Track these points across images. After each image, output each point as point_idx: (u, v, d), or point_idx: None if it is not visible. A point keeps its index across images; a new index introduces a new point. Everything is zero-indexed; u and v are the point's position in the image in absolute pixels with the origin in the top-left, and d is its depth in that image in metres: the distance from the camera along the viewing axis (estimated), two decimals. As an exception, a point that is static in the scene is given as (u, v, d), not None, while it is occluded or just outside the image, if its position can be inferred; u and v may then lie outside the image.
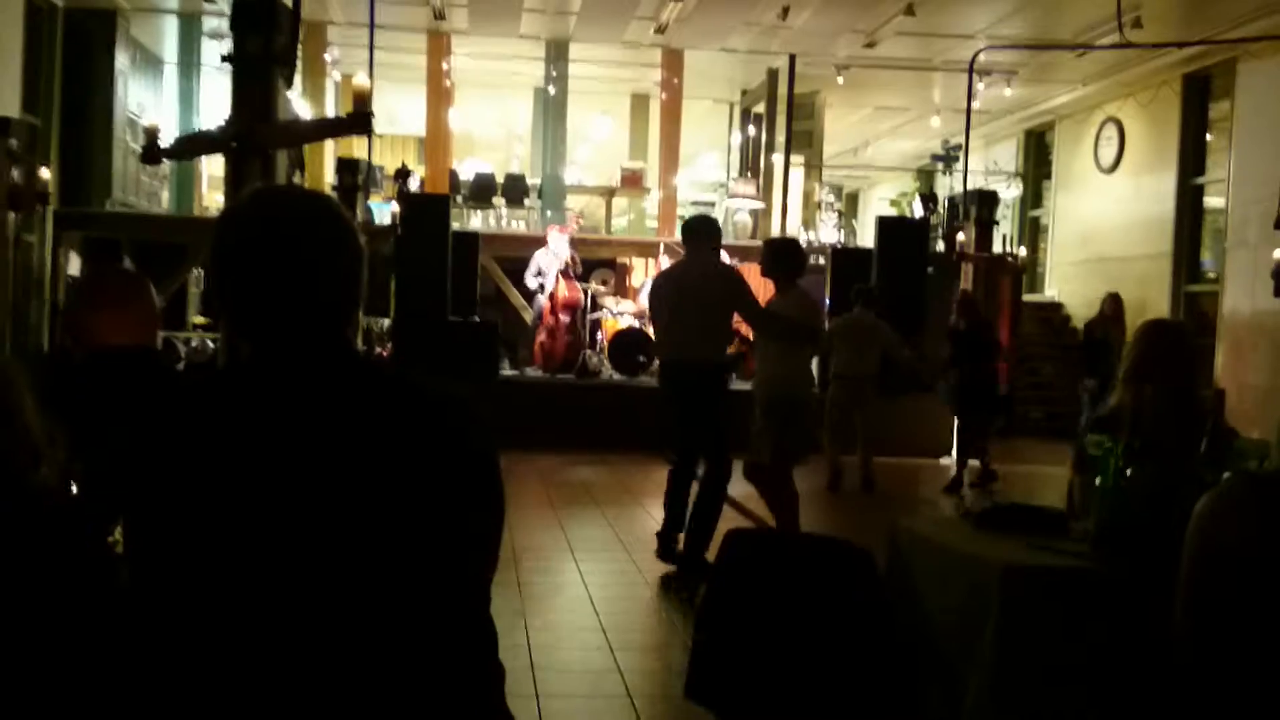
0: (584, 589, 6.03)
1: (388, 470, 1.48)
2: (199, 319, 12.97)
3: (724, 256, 8.44)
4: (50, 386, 2.92)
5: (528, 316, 12.85)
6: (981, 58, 12.60)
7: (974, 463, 9.75)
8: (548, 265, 12.38)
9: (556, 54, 15.14)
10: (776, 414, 6.34)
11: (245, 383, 1.56)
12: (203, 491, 1.47)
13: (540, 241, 12.71)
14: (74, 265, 12.25)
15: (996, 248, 13.17)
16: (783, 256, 6.55)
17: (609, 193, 16.27)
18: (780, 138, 15.35)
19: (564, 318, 12.18)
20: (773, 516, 6.63)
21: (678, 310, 6.26)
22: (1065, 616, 2.93)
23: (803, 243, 14.85)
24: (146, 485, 1.51)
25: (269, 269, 1.53)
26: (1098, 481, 3.18)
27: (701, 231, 6.46)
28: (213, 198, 16.01)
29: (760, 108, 16.18)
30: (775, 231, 15.16)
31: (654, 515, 7.68)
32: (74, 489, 2.63)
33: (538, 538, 7.22)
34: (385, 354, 12.31)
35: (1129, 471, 3.15)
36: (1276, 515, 1.79)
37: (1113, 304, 11.25)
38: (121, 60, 13.83)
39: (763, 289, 6.74)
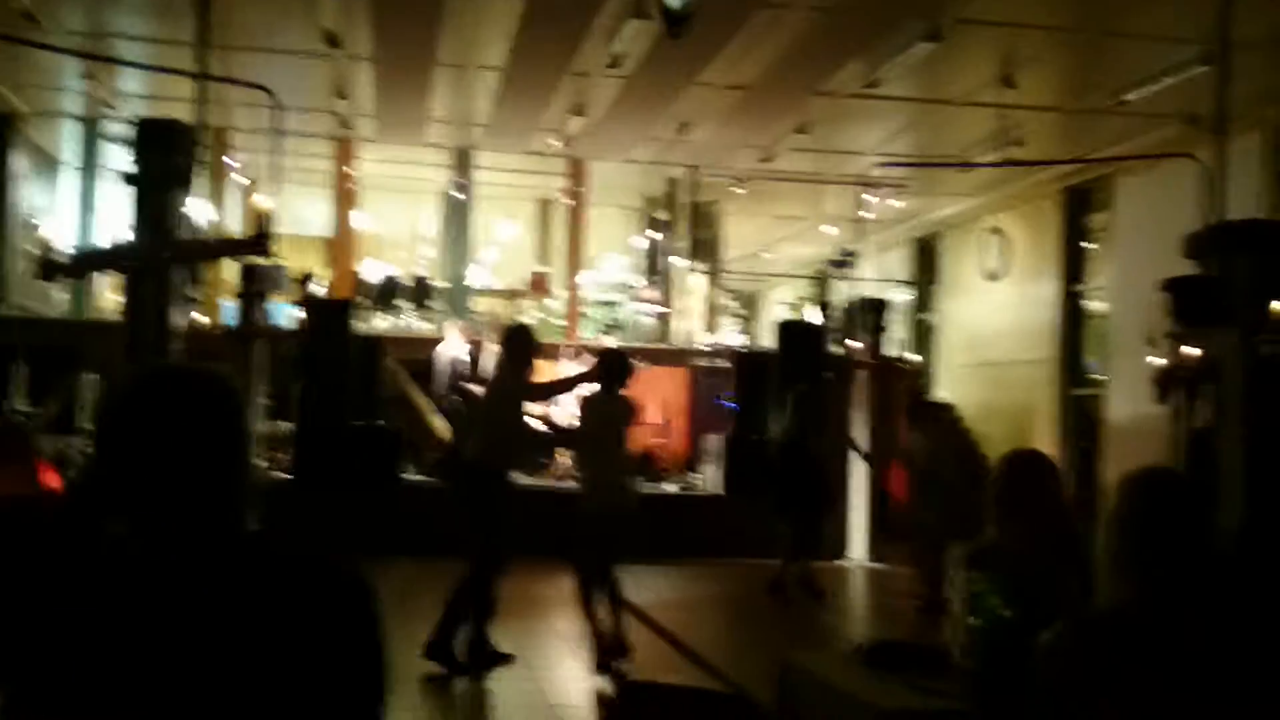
0: (482, 715, 5.98)
1: (265, 649, 1.51)
2: (90, 425, 12.66)
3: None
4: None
5: (436, 420, 12.71)
6: (872, 172, 13.09)
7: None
8: (462, 362, 12.29)
9: (462, 161, 15.34)
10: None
11: (126, 562, 1.56)
12: (81, 672, 1.48)
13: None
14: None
15: (891, 352, 13.56)
16: (604, 369, 7.12)
17: (515, 295, 16.40)
18: (683, 243, 15.71)
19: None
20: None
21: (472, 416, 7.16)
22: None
23: (707, 345, 15.32)
24: (25, 664, 1.52)
25: (147, 453, 1.56)
26: (973, 621, 3.32)
27: (506, 341, 7.09)
28: (109, 299, 15.73)
29: (663, 215, 16.55)
30: (679, 334, 15.47)
31: (558, 629, 7.68)
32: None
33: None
34: (286, 459, 12.14)
35: (1005, 612, 3.28)
36: (1103, 651, 1.92)
37: None
38: (18, 163, 13.67)
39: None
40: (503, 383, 6.96)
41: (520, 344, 6.99)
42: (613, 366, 7.07)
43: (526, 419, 7.33)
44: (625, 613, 7.04)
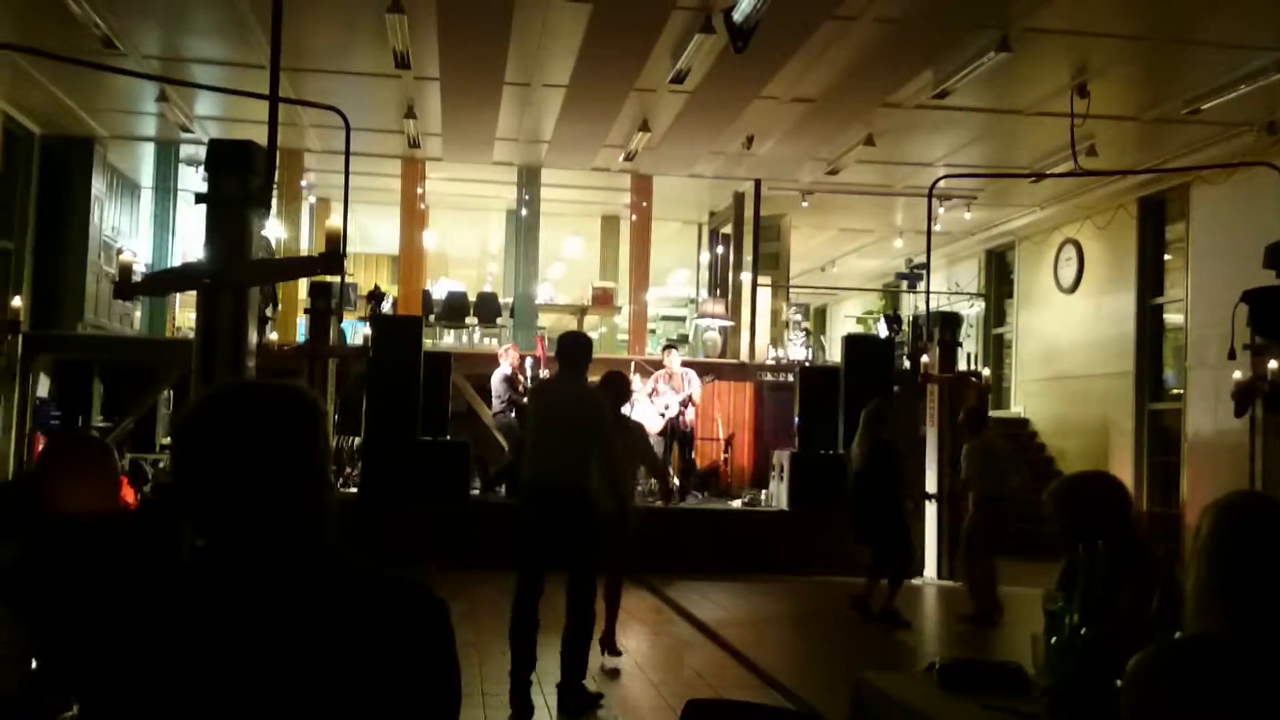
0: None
1: (339, 666, 1.51)
2: (168, 440, 12.93)
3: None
4: (12, 555, 2.94)
5: (502, 438, 12.83)
6: (941, 184, 12.94)
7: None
8: (513, 379, 12.48)
9: (528, 179, 15.44)
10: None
11: (202, 576, 1.58)
12: (159, 684, 1.50)
13: (520, 359, 12.85)
14: (43, 388, 12.24)
15: (961, 366, 13.34)
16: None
17: (580, 311, 16.46)
18: (748, 257, 15.66)
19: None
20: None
21: (544, 432, 6.39)
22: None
23: (770, 359, 15.23)
24: (105, 677, 1.54)
25: (228, 468, 1.57)
26: (1053, 640, 3.24)
27: (565, 351, 6.53)
28: (185, 317, 16.08)
29: (728, 229, 16.52)
30: (744, 350, 15.40)
31: (622, 645, 7.64)
32: (33, 664, 2.64)
33: (502, 669, 7.13)
34: (355, 473, 12.29)
35: (1083, 631, 3.20)
36: (1193, 680, 1.88)
37: None
38: (98, 185, 14.05)
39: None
40: (567, 397, 6.47)
41: (574, 351, 6.52)
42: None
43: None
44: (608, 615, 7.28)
